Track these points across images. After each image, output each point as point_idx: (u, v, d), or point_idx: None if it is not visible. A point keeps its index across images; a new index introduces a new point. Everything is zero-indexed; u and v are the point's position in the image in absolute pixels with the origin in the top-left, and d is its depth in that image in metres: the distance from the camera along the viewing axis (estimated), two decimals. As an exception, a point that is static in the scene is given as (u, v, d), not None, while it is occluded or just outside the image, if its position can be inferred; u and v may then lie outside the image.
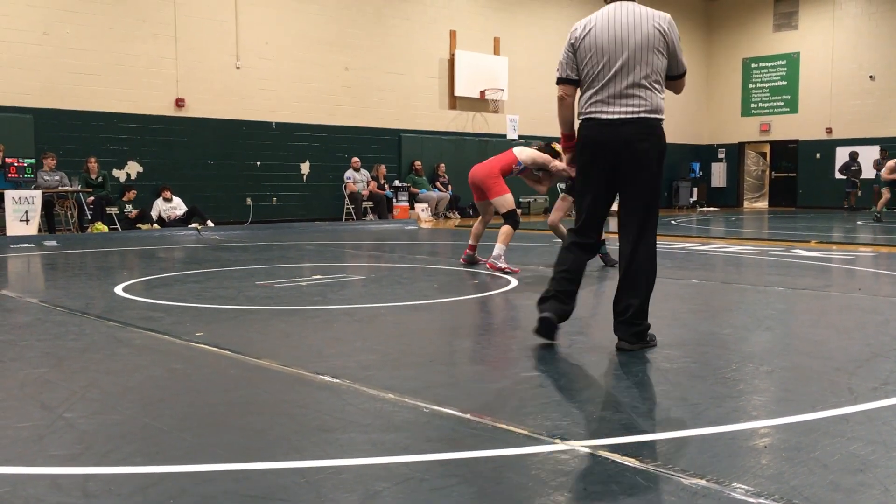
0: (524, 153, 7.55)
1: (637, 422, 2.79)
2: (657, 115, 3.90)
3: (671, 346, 4.06)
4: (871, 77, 22.28)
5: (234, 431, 2.68)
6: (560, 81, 4.03)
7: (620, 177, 3.91)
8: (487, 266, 7.27)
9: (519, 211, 7.74)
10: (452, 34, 18.65)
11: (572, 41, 3.97)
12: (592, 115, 3.91)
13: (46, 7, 13.20)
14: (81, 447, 2.53)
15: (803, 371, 3.55)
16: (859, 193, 21.62)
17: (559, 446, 2.52)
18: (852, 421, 2.78)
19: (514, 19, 20.00)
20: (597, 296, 6.09)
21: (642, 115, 3.84)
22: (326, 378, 3.38)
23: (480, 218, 7.85)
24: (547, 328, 3.99)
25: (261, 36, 15.59)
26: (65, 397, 3.10)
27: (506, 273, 7.11)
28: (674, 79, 4.02)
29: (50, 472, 2.31)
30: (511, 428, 2.70)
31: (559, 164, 7.62)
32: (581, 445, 2.51)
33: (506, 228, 7.35)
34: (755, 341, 4.25)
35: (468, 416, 2.84)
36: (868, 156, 21.63)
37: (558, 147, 7.86)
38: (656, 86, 3.88)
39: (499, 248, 7.27)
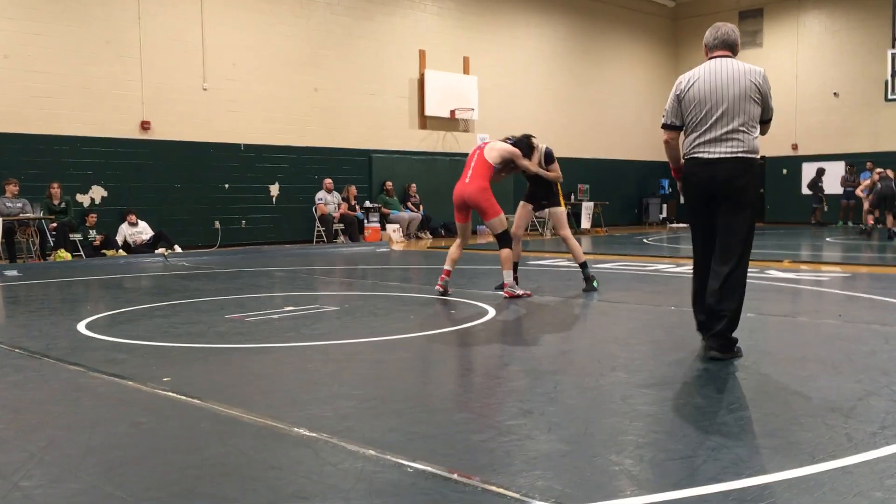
0: (492, 154, 7.32)
1: (632, 480, 2.65)
2: (753, 155, 4.47)
3: (657, 386, 3.94)
4: (835, 94, 22.60)
5: (205, 502, 2.49)
6: (665, 127, 4.68)
7: (719, 210, 4.47)
8: (505, 295, 7.15)
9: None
10: (422, 54, 18.58)
11: (678, 92, 4.60)
12: (695, 155, 4.52)
13: (7, 30, 12.87)
14: (37, 525, 2.33)
15: (797, 414, 3.43)
16: (825, 209, 21.88)
17: (554, 512, 2.37)
18: (855, 473, 2.67)
19: (483, 38, 19.98)
20: (580, 333, 5.97)
21: (740, 154, 4.42)
22: (303, 431, 3.20)
23: (458, 242, 7.61)
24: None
25: (228, 57, 15.37)
26: (22, 461, 2.89)
27: (521, 297, 7.15)
28: (765, 122, 4.59)
29: (2, 558, 2.11)
30: (501, 490, 2.54)
31: (525, 162, 7.51)
32: (578, 512, 2.36)
33: (505, 253, 7.25)
34: (742, 379, 4.14)
35: (455, 476, 2.68)
36: (834, 172, 21.91)
37: (536, 141, 7.74)
38: (752, 130, 4.47)
39: (507, 276, 7.23)
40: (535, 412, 3.52)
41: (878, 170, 16.87)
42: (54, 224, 12.43)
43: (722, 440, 3.06)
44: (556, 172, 7.79)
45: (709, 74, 4.51)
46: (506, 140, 7.66)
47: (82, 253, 12.66)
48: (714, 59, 4.57)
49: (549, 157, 7.76)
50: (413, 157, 18.55)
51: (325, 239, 15.90)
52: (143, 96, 14.33)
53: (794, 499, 2.46)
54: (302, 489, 2.59)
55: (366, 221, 16.55)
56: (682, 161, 4.68)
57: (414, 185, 18.17)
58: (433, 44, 18.83)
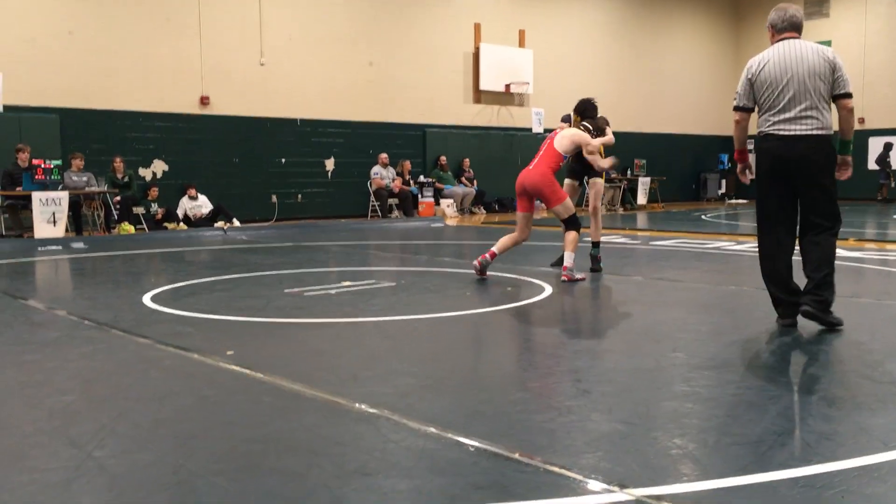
0: (563, 142, 6.95)
1: (696, 464, 2.62)
2: (828, 132, 4.64)
3: (719, 368, 3.87)
4: (905, 65, 21.73)
5: (271, 476, 2.54)
6: (737, 109, 4.80)
7: (798, 185, 4.65)
8: (564, 278, 6.83)
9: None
10: (477, 27, 18.42)
11: (749, 76, 4.75)
12: (773, 133, 4.67)
13: (71, 6, 13.16)
14: (112, 495, 2.40)
15: (867, 399, 3.35)
16: (893, 185, 21.16)
17: (618, 495, 2.35)
18: (930, 463, 2.59)
19: (539, 11, 19.70)
20: (638, 312, 5.90)
21: (815, 132, 4.60)
22: (364, 407, 3.24)
23: (515, 235, 7.04)
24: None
25: (284, 32, 15.46)
26: (94, 431, 2.98)
27: (577, 281, 6.82)
28: (842, 97, 4.64)
29: (80, 526, 2.19)
30: (564, 472, 2.54)
31: (593, 144, 7.10)
32: (643, 496, 2.34)
33: (572, 235, 6.91)
34: (808, 362, 4.05)
35: (516, 455, 2.68)
36: (902, 147, 21.16)
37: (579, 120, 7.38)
38: (824, 107, 4.63)
39: (569, 258, 6.87)
40: (594, 392, 3.49)
41: None
42: (118, 198, 12.74)
43: (789, 425, 3.00)
44: (609, 136, 7.44)
45: (779, 56, 4.67)
46: (564, 120, 7.46)
47: (145, 226, 12.97)
48: (783, 41, 4.74)
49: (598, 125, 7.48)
50: (467, 132, 18.47)
51: (379, 213, 15.98)
52: (203, 72, 14.53)
53: (867, 486, 2.40)
54: (365, 465, 2.62)
55: (420, 196, 16.57)
56: (757, 138, 4.78)
57: (468, 159, 18.11)
58: (488, 17, 18.64)
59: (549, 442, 2.85)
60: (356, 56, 16.47)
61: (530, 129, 19.45)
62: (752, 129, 4.92)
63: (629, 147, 20.55)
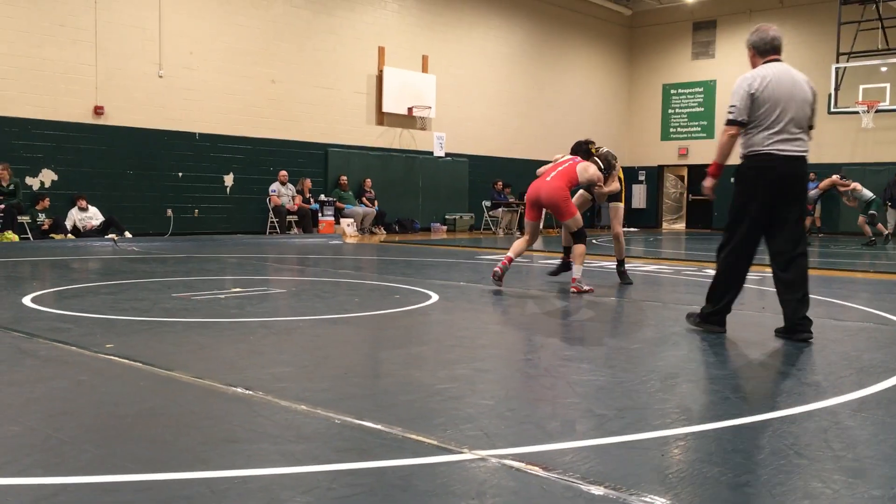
0: (585, 174, 7.34)
1: (544, 433, 2.86)
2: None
3: (581, 361, 4.17)
4: (782, 106, 23.26)
5: (140, 443, 2.64)
6: (735, 123, 4.88)
7: (782, 204, 4.83)
8: (573, 290, 7.12)
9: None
10: (381, 50, 18.73)
11: (752, 91, 4.83)
12: (772, 151, 4.82)
13: (-42, 7, 12.72)
14: (-23, 459, 2.45)
15: (701, 385, 3.70)
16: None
17: (467, 455, 2.57)
18: (740, 435, 2.92)
19: (442, 38, 20.20)
20: (515, 316, 6.19)
21: (806, 153, 4.92)
22: (239, 390, 3.36)
23: (526, 238, 7.56)
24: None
25: (185, 45, 15.34)
26: (-38, 409, 3.00)
27: (585, 293, 7.10)
28: (812, 128, 4.99)
29: (-58, 485, 2.24)
30: (421, 438, 2.74)
31: (603, 189, 7.62)
32: (488, 455, 2.56)
33: (580, 249, 7.27)
34: (661, 356, 4.40)
35: (379, 426, 2.87)
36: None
37: (599, 148, 7.81)
38: (809, 131, 4.96)
39: (578, 271, 7.21)
40: (463, 380, 3.72)
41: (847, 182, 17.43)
42: (2, 206, 12.31)
43: (630, 402, 3.29)
44: (613, 185, 7.78)
45: (779, 77, 4.86)
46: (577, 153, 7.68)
47: (30, 235, 12.56)
48: (776, 63, 4.95)
49: (608, 164, 7.78)
50: (369, 153, 18.67)
51: (278, 230, 15.95)
52: (97, 81, 14.24)
53: (686, 445, 2.69)
54: (233, 434, 2.75)
55: (320, 215, 16.63)
56: (752, 155, 4.86)
57: (369, 180, 18.30)
58: (393, 41, 18.99)
59: (411, 416, 3.04)
60: (258, 72, 16.47)
61: (432, 153, 19.85)
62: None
63: (526, 174, 21.21)
